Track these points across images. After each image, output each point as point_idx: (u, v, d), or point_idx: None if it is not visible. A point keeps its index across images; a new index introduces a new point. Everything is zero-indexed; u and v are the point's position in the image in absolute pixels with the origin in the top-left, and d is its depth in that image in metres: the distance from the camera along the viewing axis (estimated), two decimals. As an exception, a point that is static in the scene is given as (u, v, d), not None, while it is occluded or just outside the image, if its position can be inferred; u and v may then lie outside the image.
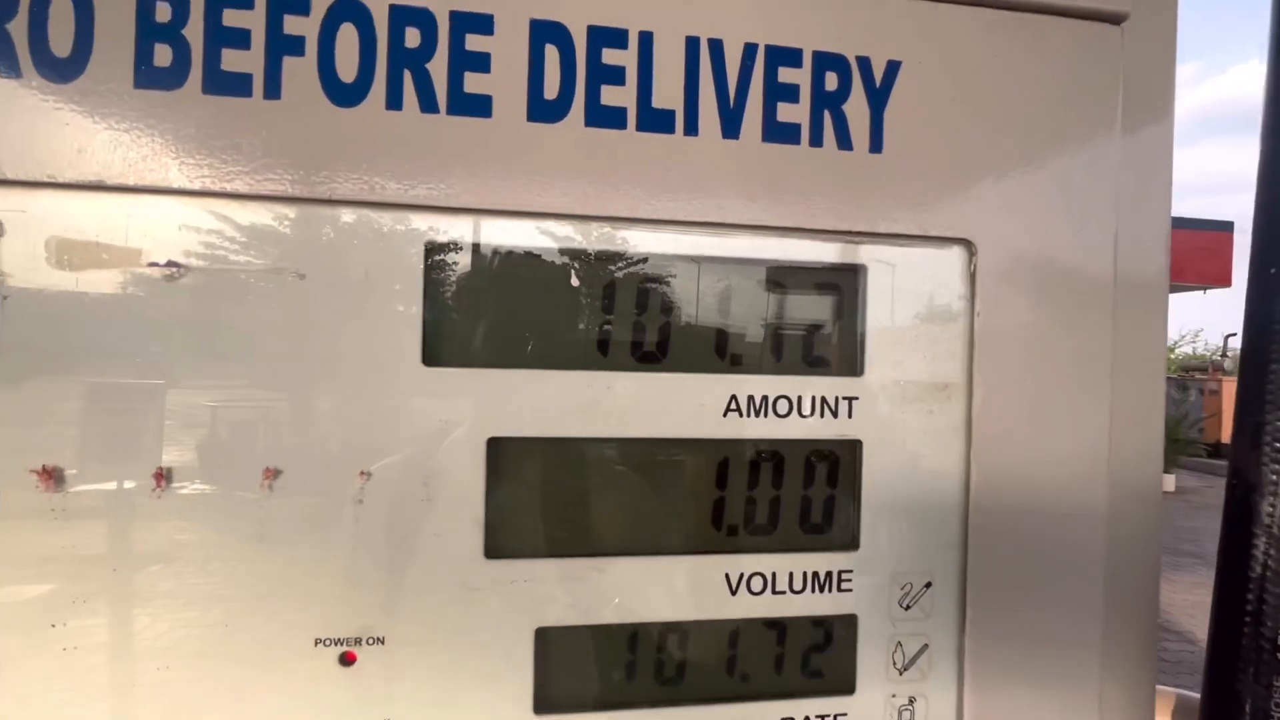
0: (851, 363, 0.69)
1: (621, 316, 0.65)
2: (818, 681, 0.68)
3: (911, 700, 0.70)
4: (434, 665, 0.62)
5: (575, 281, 0.64)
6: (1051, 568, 0.70)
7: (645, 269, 0.65)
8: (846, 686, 0.69)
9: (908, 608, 0.69)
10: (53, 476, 0.56)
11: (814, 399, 0.68)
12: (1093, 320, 0.71)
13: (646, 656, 0.66)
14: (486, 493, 0.62)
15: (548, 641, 0.63)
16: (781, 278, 0.68)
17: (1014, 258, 0.70)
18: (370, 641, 0.61)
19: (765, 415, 0.67)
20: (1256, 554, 0.75)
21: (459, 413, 0.62)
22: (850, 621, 0.69)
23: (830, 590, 0.68)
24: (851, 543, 0.69)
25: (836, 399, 0.68)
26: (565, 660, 0.64)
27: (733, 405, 0.66)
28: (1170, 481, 14.32)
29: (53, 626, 0.56)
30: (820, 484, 0.69)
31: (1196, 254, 12.74)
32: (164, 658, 0.58)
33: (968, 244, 0.69)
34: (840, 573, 0.68)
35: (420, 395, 0.61)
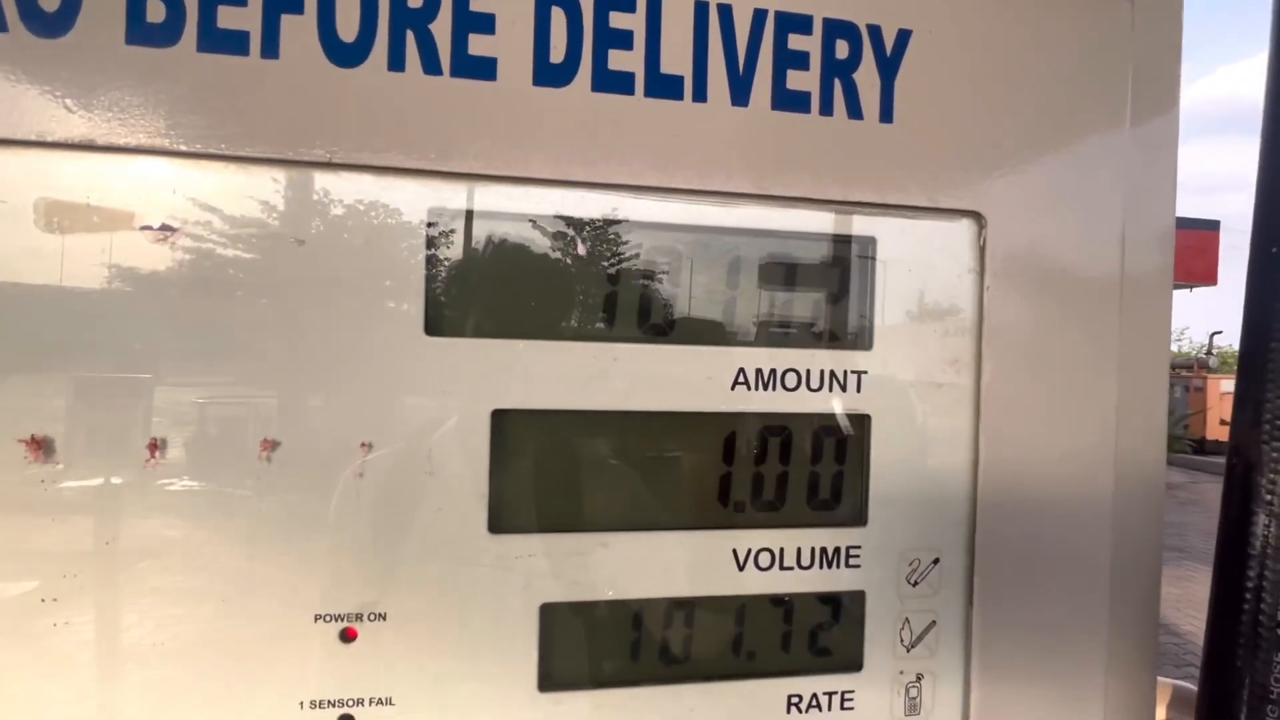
0: (860, 336, 0.68)
1: (627, 288, 0.64)
2: (825, 659, 0.68)
3: (919, 678, 0.69)
4: (437, 642, 0.60)
5: (581, 251, 0.63)
6: (1058, 550, 0.70)
7: (652, 239, 0.64)
8: (854, 664, 0.68)
9: (915, 584, 0.69)
10: (42, 447, 0.55)
11: (822, 372, 0.67)
12: (1098, 305, 0.70)
13: (652, 634, 0.65)
14: (490, 466, 0.61)
15: (552, 618, 0.62)
16: (790, 249, 0.67)
17: (1023, 233, 0.69)
18: (372, 617, 0.59)
19: (774, 389, 0.66)
20: (1256, 530, 0.75)
21: (462, 384, 0.61)
22: (858, 598, 0.68)
23: (838, 566, 0.67)
24: (859, 518, 0.68)
25: (845, 373, 0.67)
26: (570, 637, 0.63)
27: (741, 378, 0.65)
28: (1156, 477, 14.45)
29: (42, 601, 0.54)
30: (828, 459, 0.68)
31: (1183, 252, 12.87)
32: (158, 634, 0.56)
33: (978, 216, 0.68)
34: (848, 549, 0.68)
35: (422, 366, 0.60)
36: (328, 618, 0.59)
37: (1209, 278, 13.34)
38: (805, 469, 0.67)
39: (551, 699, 0.62)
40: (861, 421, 0.68)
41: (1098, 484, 0.70)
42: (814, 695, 0.67)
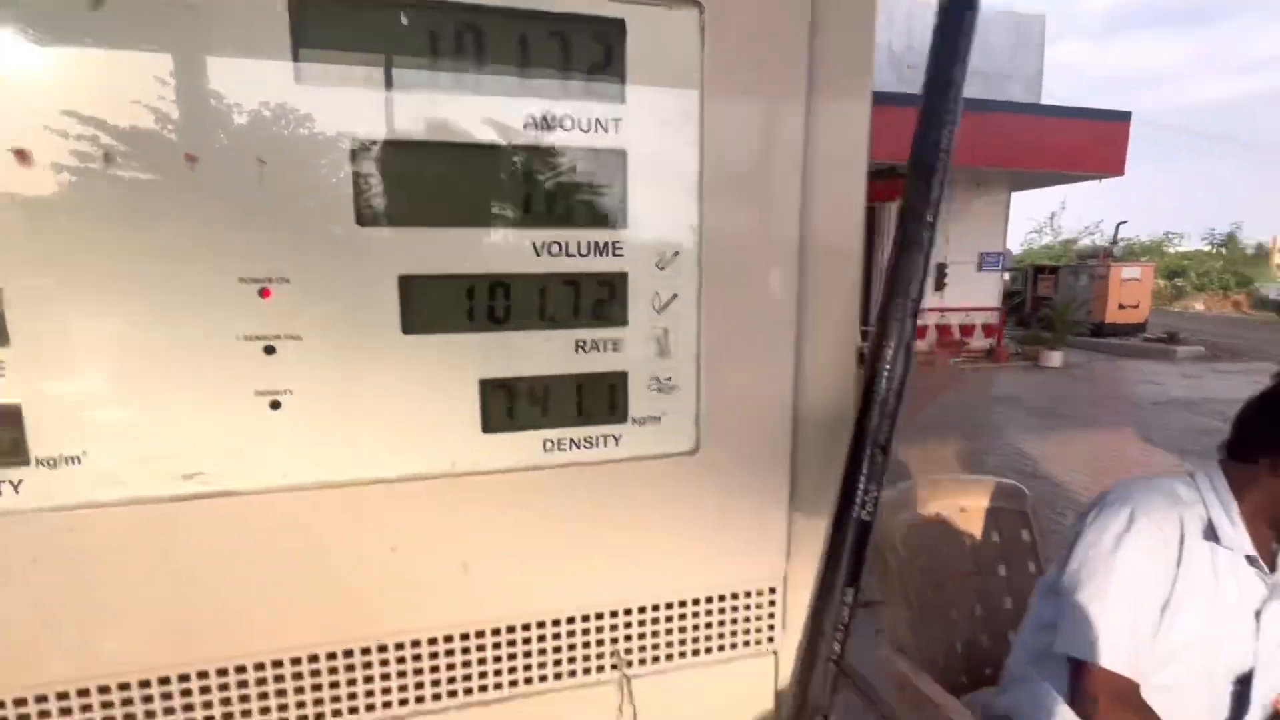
0: (618, 91, 0.97)
1: (445, 54, 0.90)
2: (602, 320, 1.01)
3: (666, 331, 1.04)
4: (330, 298, 0.90)
5: (405, 21, 0.88)
6: (754, 259, 1.03)
7: (460, 15, 0.90)
8: (622, 320, 1.02)
9: (663, 269, 1.02)
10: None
11: (590, 119, 0.96)
12: (787, 126, 1.00)
13: (480, 299, 0.96)
14: (356, 175, 0.89)
15: (408, 285, 0.93)
16: (564, 26, 0.94)
17: (733, 21, 0.98)
18: (278, 280, 0.88)
19: (556, 130, 0.95)
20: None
21: (336, 114, 0.87)
22: (623, 277, 1.01)
23: (609, 255, 1.00)
24: (623, 223, 1.00)
25: (607, 118, 0.97)
26: (422, 299, 0.94)
27: (530, 121, 0.94)
28: (1058, 358, 15.97)
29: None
30: (600, 184, 0.98)
31: (1094, 144, 13.50)
32: (131, 289, 0.84)
33: (699, 5, 0.96)
34: (614, 243, 1.00)
35: (293, 95, 0.86)
36: (249, 280, 0.87)
37: (1117, 169, 14.04)
38: (585, 189, 0.98)
39: (413, 339, 0.94)
40: (621, 154, 0.98)
41: (786, 235, 1.04)
42: (594, 341, 1.01)
